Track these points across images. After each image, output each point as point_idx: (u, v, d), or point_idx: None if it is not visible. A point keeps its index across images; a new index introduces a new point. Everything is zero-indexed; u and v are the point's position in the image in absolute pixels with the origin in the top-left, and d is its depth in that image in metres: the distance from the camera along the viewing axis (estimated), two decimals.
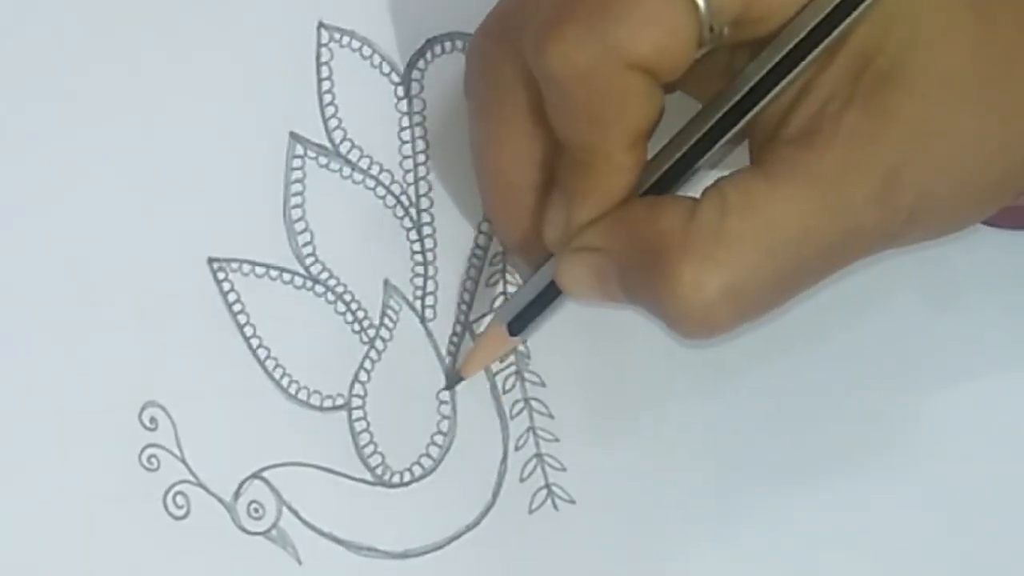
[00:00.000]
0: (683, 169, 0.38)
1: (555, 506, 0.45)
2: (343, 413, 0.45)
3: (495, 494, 0.45)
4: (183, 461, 0.44)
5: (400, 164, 0.44)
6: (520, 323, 0.42)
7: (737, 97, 0.37)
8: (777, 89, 0.37)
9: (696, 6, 0.35)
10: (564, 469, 0.45)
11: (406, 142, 0.44)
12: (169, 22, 0.44)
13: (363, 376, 0.44)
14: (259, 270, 0.44)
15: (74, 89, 0.44)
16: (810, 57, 0.37)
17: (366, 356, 0.44)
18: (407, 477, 0.45)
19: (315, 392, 0.44)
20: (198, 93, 0.44)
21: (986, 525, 0.45)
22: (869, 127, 0.36)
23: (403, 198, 0.44)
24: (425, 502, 0.44)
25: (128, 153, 0.44)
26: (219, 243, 0.44)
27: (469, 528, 0.45)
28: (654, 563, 0.45)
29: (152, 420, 0.44)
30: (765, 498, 0.45)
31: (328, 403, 0.44)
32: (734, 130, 0.38)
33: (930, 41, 0.36)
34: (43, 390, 0.44)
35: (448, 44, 0.44)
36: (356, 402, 0.44)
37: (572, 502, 0.45)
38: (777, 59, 0.37)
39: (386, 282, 0.44)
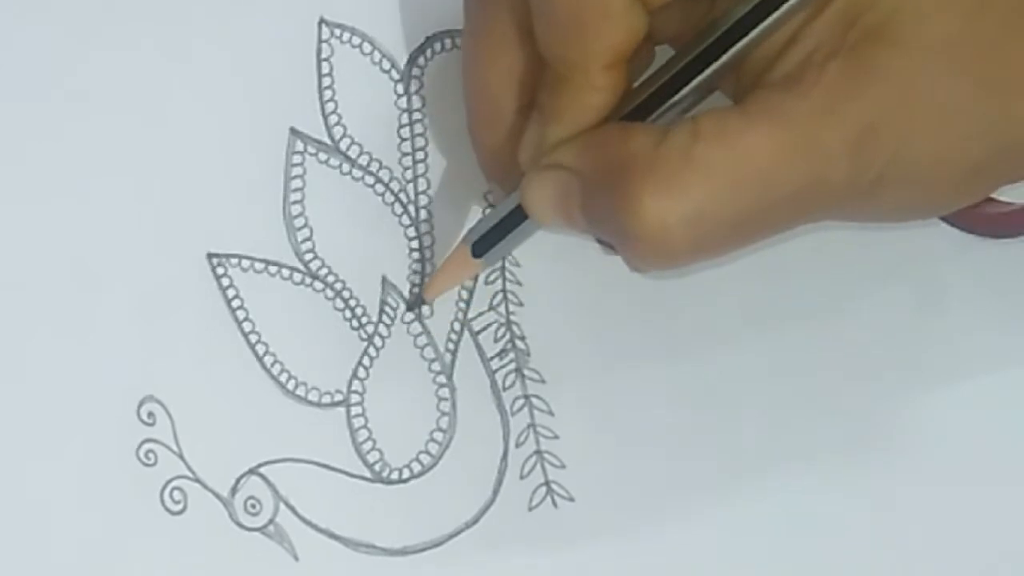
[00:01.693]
0: (661, 100, 0.38)
1: (554, 503, 0.45)
2: (341, 409, 0.44)
3: (495, 491, 0.44)
4: (180, 456, 0.44)
5: (400, 161, 0.44)
6: (484, 246, 0.41)
7: (720, 31, 0.37)
8: (761, 27, 0.37)
9: None
10: (564, 466, 0.45)
11: (406, 139, 0.44)
12: (169, 18, 0.44)
13: (361, 372, 0.44)
14: (258, 266, 0.44)
15: (74, 86, 0.44)
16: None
17: (364, 352, 0.44)
18: (406, 474, 0.44)
19: (313, 388, 0.44)
20: (198, 89, 0.44)
21: (977, 522, 0.45)
22: (852, 79, 0.36)
23: (402, 195, 0.44)
24: (424, 499, 0.44)
25: (128, 149, 0.44)
26: (218, 238, 0.44)
27: (468, 525, 0.44)
28: (654, 561, 0.44)
29: (150, 415, 0.44)
30: (765, 497, 0.44)
31: (326, 399, 0.44)
32: (715, 65, 0.38)
33: (923, 4, 0.36)
34: (41, 385, 0.44)
35: (448, 41, 0.44)
36: (354, 398, 0.44)
37: (572, 500, 0.45)
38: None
39: (384, 279, 0.44)
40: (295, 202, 0.44)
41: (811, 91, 0.36)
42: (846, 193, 0.37)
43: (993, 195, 0.43)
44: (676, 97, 0.38)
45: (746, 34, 0.37)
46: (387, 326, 0.44)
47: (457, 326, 0.45)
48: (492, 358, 0.45)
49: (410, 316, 0.44)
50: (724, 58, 0.38)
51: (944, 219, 0.44)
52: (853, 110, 0.36)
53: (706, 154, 0.36)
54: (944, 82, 0.36)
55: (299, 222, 0.44)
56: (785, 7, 0.37)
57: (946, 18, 0.36)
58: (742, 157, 0.36)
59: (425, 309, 0.45)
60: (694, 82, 0.38)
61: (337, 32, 0.44)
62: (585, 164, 0.38)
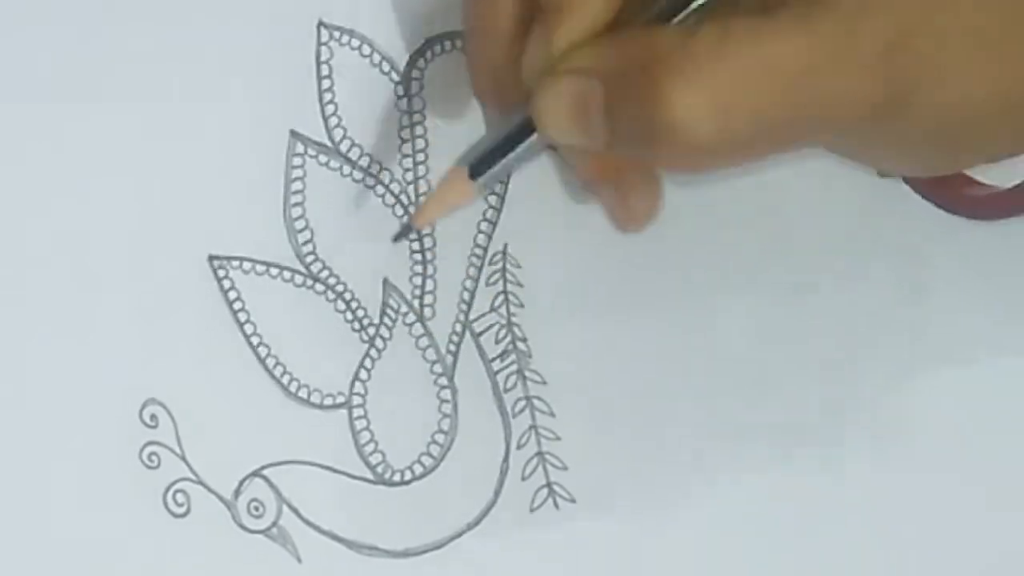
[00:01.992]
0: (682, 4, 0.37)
1: (556, 505, 0.45)
2: (343, 411, 0.45)
3: (496, 492, 0.45)
4: (183, 459, 0.44)
5: (400, 163, 0.44)
6: (482, 168, 0.39)
7: None
8: None
9: None
10: (565, 468, 0.45)
11: (406, 141, 0.44)
12: (169, 21, 0.44)
13: (363, 374, 0.44)
14: (259, 268, 0.44)
15: (74, 87, 0.44)
16: None
17: (366, 355, 0.44)
18: (408, 475, 0.45)
19: (315, 390, 0.44)
20: (198, 91, 0.44)
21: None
22: None
23: (403, 196, 0.44)
24: (426, 500, 0.44)
25: (129, 151, 0.44)
26: (219, 241, 0.44)
27: (470, 527, 0.45)
28: (655, 562, 0.45)
29: (153, 418, 0.44)
30: (766, 499, 0.45)
31: (328, 401, 0.45)
32: None
33: None
34: (43, 388, 0.44)
35: (448, 43, 0.44)
36: (356, 400, 0.44)
37: (573, 501, 0.45)
38: None
39: (385, 281, 0.44)
40: (296, 204, 0.44)
41: (840, 1, 0.35)
42: (873, 107, 0.36)
43: (977, 177, 0.43)
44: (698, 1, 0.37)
45: None
46: (389, 328, 0.45)
47: (459, 328, 0.45)
48: (494, 359, 0.45)
49: (412, 317, 0.44)
50: None
51: (928, 199, 0.44)
52: (882, 21, 0.35)
53: (737, 51, 0.35)
54: (974, 9, 0.36)
55: (300, 224, 0.44)
56: None
57: None
58: (773, 58, 0.35)
59: (427, 310, 0.45)
60: None
61: (336, 34, 0.44)
62: (608, 65, 0.37)
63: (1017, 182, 0.43)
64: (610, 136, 0.37)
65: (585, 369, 0.45)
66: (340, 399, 0.44)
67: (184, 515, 0.44)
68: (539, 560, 0.45)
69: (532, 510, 0.45)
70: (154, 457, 0.44)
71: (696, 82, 0.35)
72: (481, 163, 0.39)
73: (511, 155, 0.39)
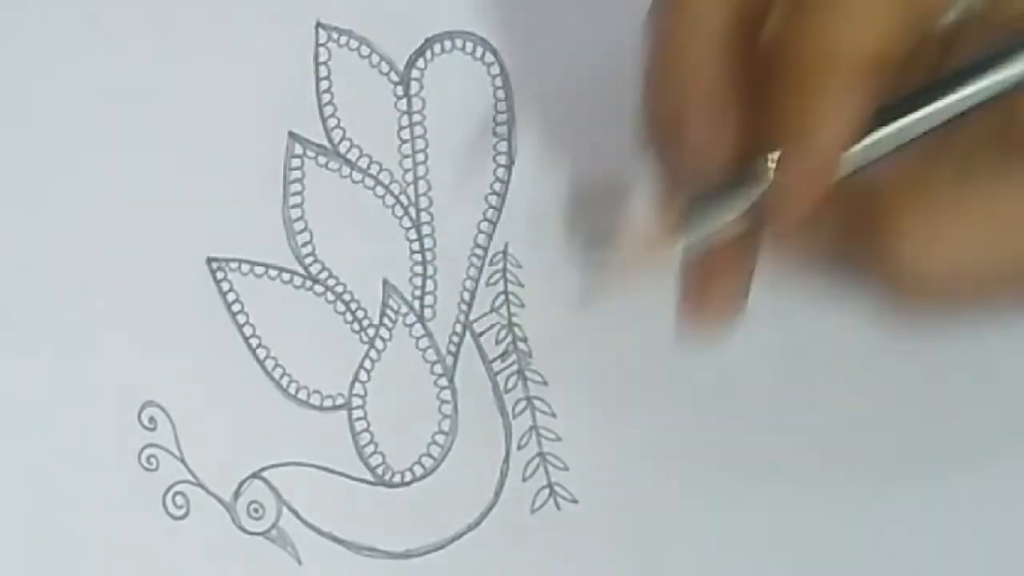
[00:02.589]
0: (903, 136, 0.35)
1: (557, 506, 0.44)
2: (343, 412, 0.44)
3: (497, 493, 0.44)
4: (182, 461, 0.44)
5: (400, 163, 0.44)
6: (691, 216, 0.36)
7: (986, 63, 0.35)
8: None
9: None
10: (567, 468, 0.45)
11: (405, 141, 0.44)
12: (167, 21, 0.44)
13: (363, 375, 0.44)
14: (258, 270, 0.44)
15: (72, 89, 0.44)
16: None
17: (366, 356, 0.44)
18: (408, 477, 0.44)
19: (315, 392, 0.44)
20: (196, 92, 0.44)
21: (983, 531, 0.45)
22: None
23: (402, 197, 0.44)
24: (426, 502, 0.44)
25: (127, 152, 0.44)
26: (218, 243, 0.44)
27: (471, 528, 0.44)
28: (656, 563, 0.44)
29: (151, 420, 0.44)
30: (768, 499, 0.44)
31: (328, 402, 0.44)
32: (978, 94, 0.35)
33: None
34: (42, 390, 0.44)
35: (448, 43, 0.44)
36: (356, 401, 0.44)
37: (575, 502, 0.45)
38: None
39: (385, 282, 0.44)
40: (295, 206, 0.44)
41: None
42: None
43: None
44: (926, 127, 0.35)
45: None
46: (388, 329, 0.44)
47: (459, 328, 0.45)
48: (494, 360, 0.45)
49: (412, 318, 0.44)
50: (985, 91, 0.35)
51: None
52: None
53: (974, 197, 0.34)
54: None
55: (299, 225, 0.44)
56: None
57: None
58: (1013, 204, 0.34)
59: (427, 311, 0.44)
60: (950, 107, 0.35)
61: (335, 35, 0.44)
62: (841, 197, 0.35)
63: None
64: (836, 257, 0.36)
65: (586, 369, 0.44)
66: (340, 400, 0.44)
67: (183, 517, 0.44)
68: (540, 561, 0.44)
69: (533, 511, 0.44)
70: (153, 459, 0.44)
71: (932, 230, 0.34)
72: (692, 207, 0.36)
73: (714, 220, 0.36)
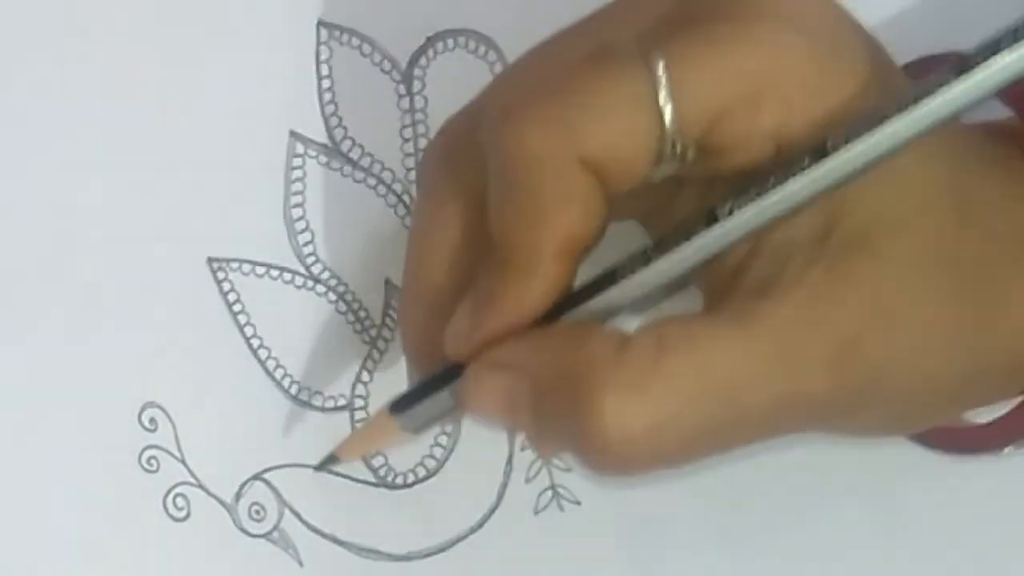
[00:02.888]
0: (610, 302, 0.36)
1: (560, 507, 0.44)
2: (345, 414, 0.44)
3: (500, 495, 0.44)
4: (183, 462, 0.44)
5: (402, 162, 0.44)
6: (403, 406, 0.38)
7: (686, 238, 0.34)
8: (731, 238, 0.34)
9: (660, 115, 0.33)
10: (570, 470, 0.44)
11: (407, 140, 0.44)
12: (168, 21, 0.43)
13: (365, 376, 0.44)
14: (259, 270, 0.44)
15: (73, 88, 0.44)
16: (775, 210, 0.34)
17: (368, 356, 0.44)
18: (410, 478, 0.44)
19: (317, 393, 0.44)
20: (197, 92, 0.44)
21: None
22: (832, 289, 0.33)
23: (404, 197, 0.44)
24: (429, 503, 0.44)
25: (127, 152, 0.44)
26: (219, 243, 0.44)
27: (473, 530, 0.44)
28: (659, 564, 0.44)
29: (152, 421, 0.44)
30: (771, 500, 0.44)
31: (330, 404, 0.44)
32: (671, 268, 0.35)
33: (904, 218, 0.34)
34: (42, 391, 0.44)
35: (450, 41, 0.44)
36: (358, 403, 0.44)
37: (578, 503, 0.44)
38: (740, 204, 0.34)
39: (387, 281, 0.44)
40: (296, 205, 0.44)
41: (789, 299, 0.33)
42: (825, 410, 0.34)
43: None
44: (626, 300, 0.36)
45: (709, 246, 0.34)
46: (391, 329, 0.44)
47: None
48: None
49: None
50: (682, 263, 0.35)
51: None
52: (834, 322, 0.33)
53: (673, 363, 0.33)
54: (924, 297, 0.34)
55: (300, 225, 0.44)
56: (757, 222, 0.34)
57: (926, 231, 0.34)
58: (713, 367, 0.33)
59: None
60: (646, 284, 0.35)
61: (336, 34, 0.44)
62: (536, 364, 0.35)
63: (992, 418, 0.40)
64: (538, 433, 0.36)
65: None
66: (342, 401, 0.44)
67: (184, 519, 0.44)
68: (544, 563, 0.44)
69: (536, 513, 0.44)
70: (153, 461, 0.44)
71: (631, 400, 0.33)
72: (402, 402, 0.38)
73: (432, 399, 0.37)
